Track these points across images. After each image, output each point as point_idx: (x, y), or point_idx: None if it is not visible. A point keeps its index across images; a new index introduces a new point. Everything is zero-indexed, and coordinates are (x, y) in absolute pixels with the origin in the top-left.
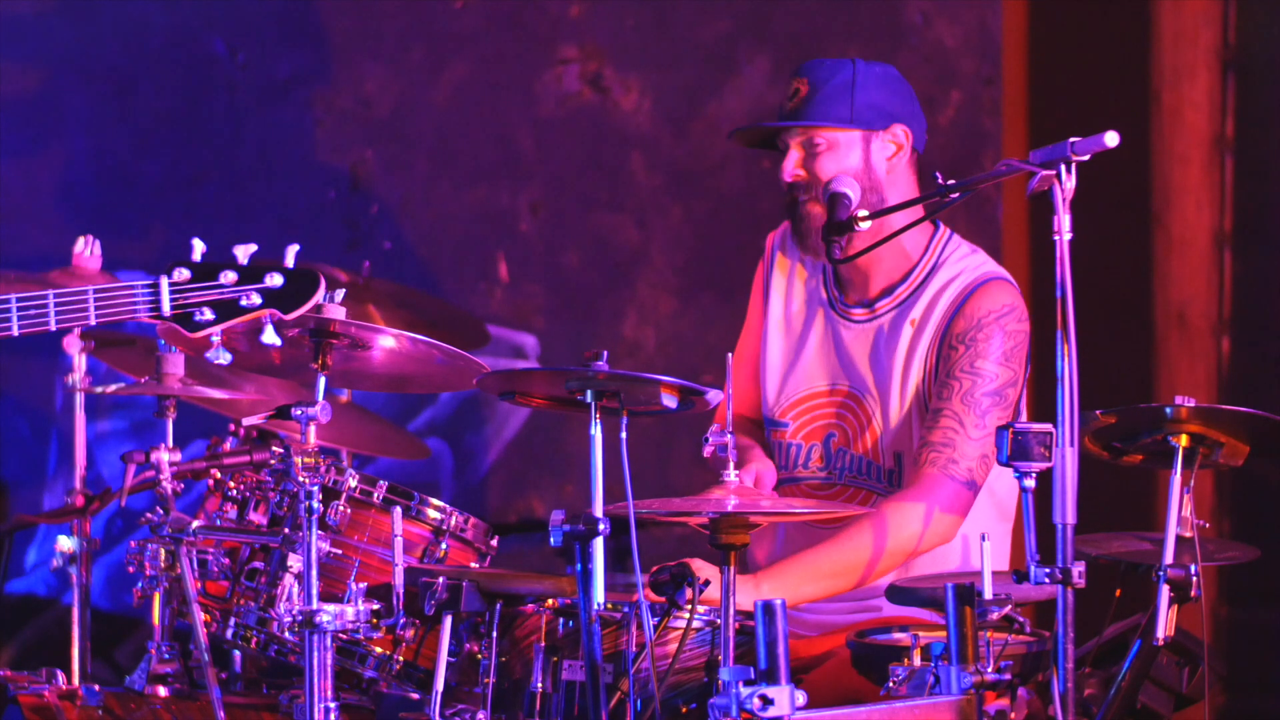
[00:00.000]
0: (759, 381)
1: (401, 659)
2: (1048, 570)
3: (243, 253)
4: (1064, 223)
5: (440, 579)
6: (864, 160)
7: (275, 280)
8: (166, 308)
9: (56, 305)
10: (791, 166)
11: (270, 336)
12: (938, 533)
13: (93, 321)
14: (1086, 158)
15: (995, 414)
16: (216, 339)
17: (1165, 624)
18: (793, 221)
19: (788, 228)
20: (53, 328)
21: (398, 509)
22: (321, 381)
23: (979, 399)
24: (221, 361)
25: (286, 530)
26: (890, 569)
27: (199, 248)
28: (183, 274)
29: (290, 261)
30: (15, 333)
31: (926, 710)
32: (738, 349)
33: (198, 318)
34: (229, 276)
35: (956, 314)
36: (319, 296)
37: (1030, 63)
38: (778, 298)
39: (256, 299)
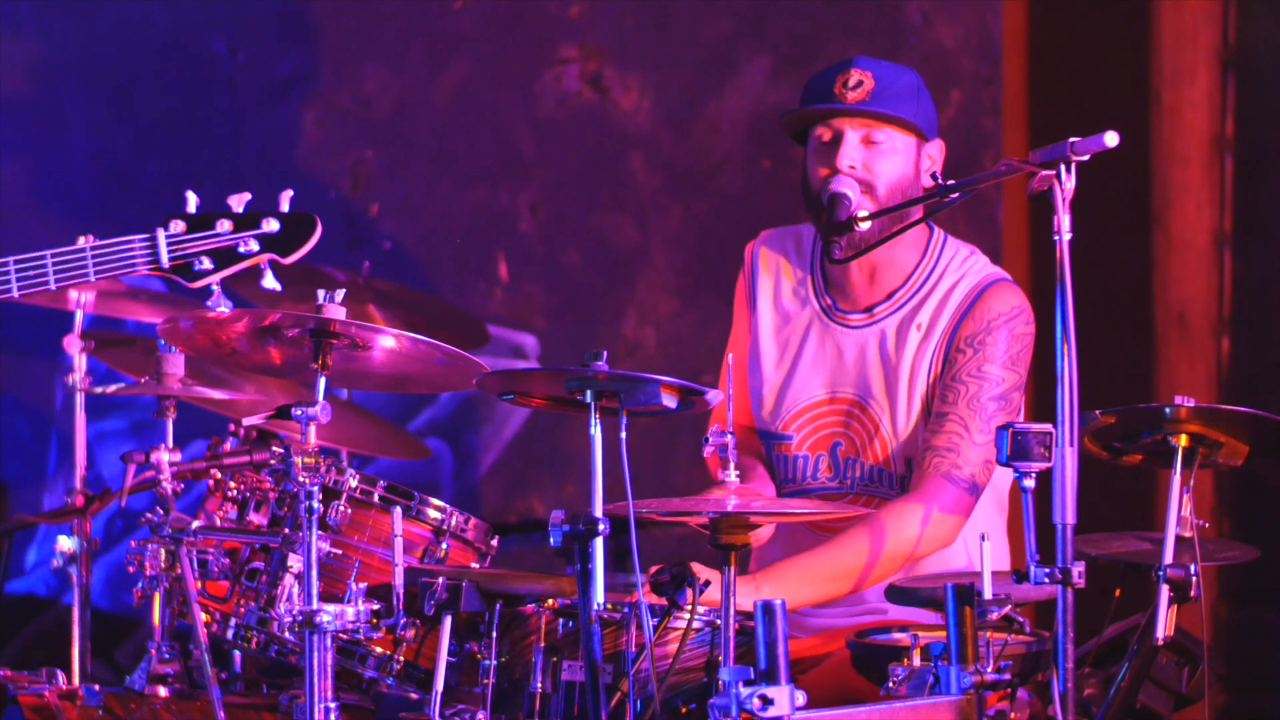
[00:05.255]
0: (748, 393)
1: (401, 659)
2: (1048, 570)
3: (237, 201)
4: (1064, 223)
5: (440, 579)
6: (915, 169)
7: (271, 225)
8: (165, 259)
9: (55, 264)
10: (849, 154)
11: (270, 282)
12: (937, 537)
13: (92, 278)
14: (1086, 158)
15: (1000, 418)
16: (216, 288)
17: (1165, 624)
18: (829, 215)
19: (767, 236)
20: (52, 287)
21: (398, 509)
22: (321, 381)
23: (985, 403)
24: (222, 310)
25: (286, 530)
26: (889, 573)
27: (192, 200)
28: (179, 226)
29: (285, 206)
30: (15, 295)
31: (926, 710)
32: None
33: (197, 267)
34: (225, 225)
35: (965, 316)
36: (316, 239)
37: (1030, 63)
38: (766, 308)
39: (254, 245)
